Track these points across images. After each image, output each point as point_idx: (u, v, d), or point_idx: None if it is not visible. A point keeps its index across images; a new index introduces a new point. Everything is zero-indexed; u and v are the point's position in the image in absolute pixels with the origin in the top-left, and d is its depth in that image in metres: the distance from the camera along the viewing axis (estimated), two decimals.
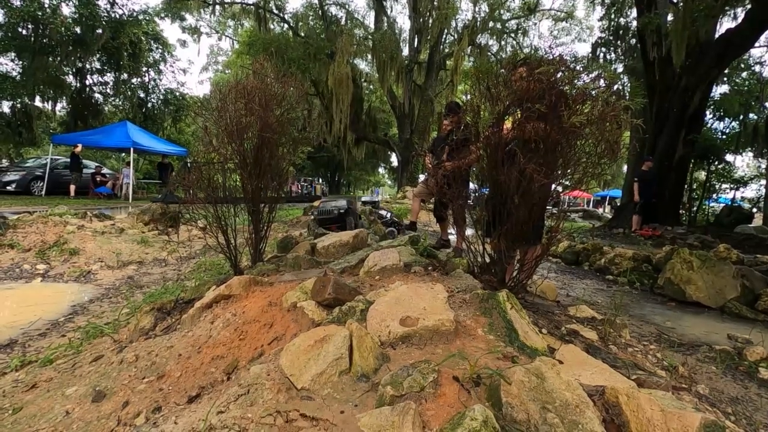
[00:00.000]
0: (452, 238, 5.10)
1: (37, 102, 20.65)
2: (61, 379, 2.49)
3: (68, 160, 15.20)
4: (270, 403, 1.58)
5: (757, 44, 11.59)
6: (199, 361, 2.25)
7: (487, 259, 2.86)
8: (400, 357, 1.81)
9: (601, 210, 28.91)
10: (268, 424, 1.48)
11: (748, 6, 10.33)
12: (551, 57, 2.53)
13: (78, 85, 21.43)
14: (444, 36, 23.32)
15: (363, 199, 14.63)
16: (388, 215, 8.03)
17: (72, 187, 13.97)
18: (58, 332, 3.78)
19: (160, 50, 24.29)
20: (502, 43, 24.04)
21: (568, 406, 1.40)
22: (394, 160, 33.62)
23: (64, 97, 21.22)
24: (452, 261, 3.23)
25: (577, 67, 2.72)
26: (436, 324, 1.94)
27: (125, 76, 22.56)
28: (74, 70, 20.89)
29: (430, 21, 21.91)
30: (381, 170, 43.35)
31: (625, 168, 12.79)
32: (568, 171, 2.61)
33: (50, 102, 21.02)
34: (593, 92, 2.47)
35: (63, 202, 10.68)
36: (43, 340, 3.59)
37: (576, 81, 2.46)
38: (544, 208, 2.77)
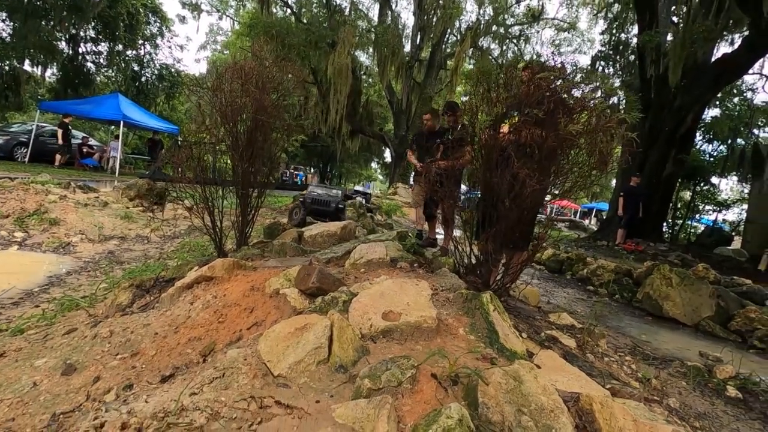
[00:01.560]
0: (439, 237, 5.11)
1: (27, 66, 20.03)
2: (31, 350, 2.42)
3: (55, 128, 14.79)
4: (245, 387, 1.56)
5: (750, 71, 11.80)
6: (176, 341, 2.22)
7: (474, 261, 2.86)
8: (379, 351, 1.80)
9: (587, 221, 29.29)
10: (241, 409, 1.46)
11: (746, 32, 10.51)
12: (553, 64, 2.54)
13: (70, 52, 20.83)
14: (447, 36, 23.28)
15: (356, 188, 14.49)
16: (363, 201, 7.87)
17: (58, 157, 13.60)
18: (31, 302, 3.69)
19: (158, 24, 23.76)
20: (504, 48, 24.09)
21: (543, 410, 1.41)
22: (387, 155, 33.57)
23: (55, 64, 20.59)
24: (438, 259, 3.23)
25: (578, 77, 2.74)
26: (418, 320, 1.93)
27: (120, 47, 22.00)
28: (67, 36, 20.30)
29: (434, 19, 21.84)
30: (374, 165, 43.22)
31: (613, 182, 12.97)
32: (560, 179, 2.62)
33: (40, 67, 20.39)
34: (591, 103, 2.48)
35: (46, 170, 10.41)
36: (16, 309, 3.50)
37: (575, 90, 2.46)
38: (534, 215, 2.78)
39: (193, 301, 2.57)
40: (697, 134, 12.70)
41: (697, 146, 13.46)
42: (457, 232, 3.70)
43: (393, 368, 1.53)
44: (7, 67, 18.88)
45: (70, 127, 14.16)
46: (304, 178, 27.11)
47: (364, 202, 7.81)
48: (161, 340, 2.25)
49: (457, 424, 1.24)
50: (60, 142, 13.59)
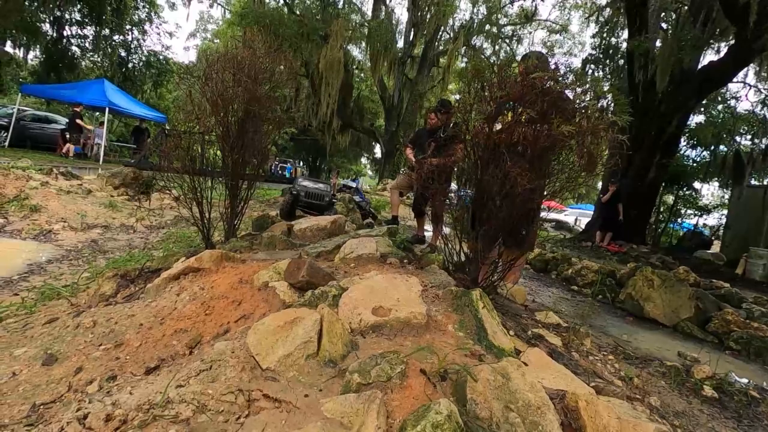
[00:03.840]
0: (427, 235, 5.12)
1: (8, 47, 19.43)
2: (9, 339, 2.36)
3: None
4: (233, 380, 1.54)
5: (734, 80, 12.08)
6: (161, 333, 2.18)
7: (463, 258, 2.88)
8: (369, 346, 1.80)
9: (572, 221, 29.63)
10: (228, 402, 1.44)
11: (732, 41, 10.75)
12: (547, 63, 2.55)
13: (54, 34, 20.23)
14: (440, 33, 23.28)
15: (343, 182, 14.20)
16: (365, 205, 7.70)
17: (69, 147, 13.28)
18: (10, 290, 3.59)
19: (146, 9, 23.24)
20: (496, 47, 24.21)
21: (530, 407, 1.43)
22: (377, 151, 33.51)
23: (38, 46, 20.00)
24: (428, 256, 3.24)
25: (570, 77, 2.76)
26: (407, 316, 1.94)
27: (107, 31, 21.46)
28: (52, 18, 19.71)
29: (428, 16, 21.80)
30: (363, 160, 43.12)
31: (599, 184, 13.20)
32: (551, 179, 2.65)
33: (22, 49, 19.80)
34: (583, 104, 2.51)
35: (27, 155, 10.13)
36: None
37: (569, 91, 2.48)
38: (527, 215, 2.78)
39: (180, 292, 2.53)
40: (682, 140, 12.96)
41: (681, 152, 13.74)
42: (445, 230, 3.72)
43: (382, 363, 1.53)
44: None
45: (82, 116, 13.95)
46: (292, 171, 26.81)
47: (358, 199, 7.57)
48: (146, 331, 2.21)
49: (446, 420, 1.25)
50: (78, 132, 13.43)
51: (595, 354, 2.93)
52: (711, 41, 11.73)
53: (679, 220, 15.56)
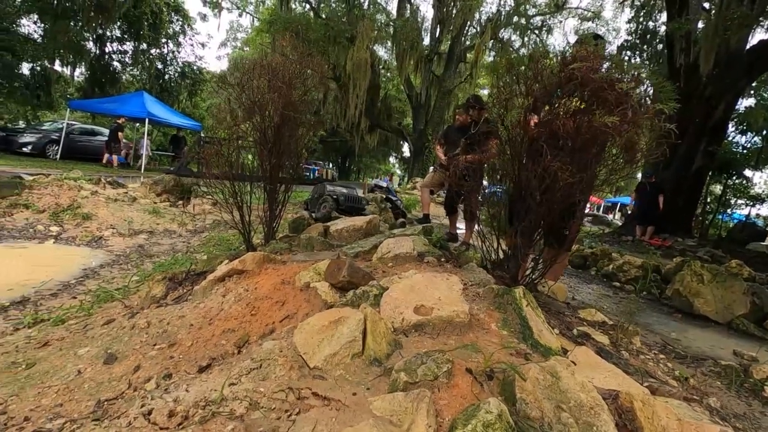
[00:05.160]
0: (459, 233, 5.07)
1: (57, 66, 20.76)
2: (72, 339, 2.53)
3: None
4: (282, 379, 1.59)
5: None
6: (210, 333, 2.27)
7: (501, 255, 2.83)
8: (412, 345, 1.81)
9: (611, 216, 28.60)
10: (280, 400, 1.48)
11: None
12: (586, 54, 2.47)
13: (97, 51, 21.47)
14: (467, 28, 22.99)
15: (374, 182, 14.21)
16: (400, 204, 7.75)
17: (114, 157, 14.15)
18: (69, 294, 3.84)
19: (180, 22, 24.21)
20: (525, 39, 23.63)
21: (582, 407, 1.39)
22: (405, 150, 33.48)
23: (83, 63, 21.27)
24: (465, 254, 3.21)
25: (606, 65, 2.66)
26: (450, 315, 1.93)
27: (144, 46, 22.56)
28: (94, 36, 20.91)
29: (454, 11, 21.57)
30: (392, 159, 43.18)
31: (639, 176, 12.63)
32: (593, 173, 2.56)
33: (69, 67, 21.10)
34: (626, 91, 2.41)
35: (77, 166, 10.76)
36: (55, 300, 3.65)
37: (615, 80, 2.39)
38: (568, 211, 2.69)
39: (226, 293, 2.63)
40: (730, 125, 12.20)
41: (730, 138, 12.93)
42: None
43: (428, 362, 1.53)
44: (38, 68, 19.56)
45: (125, 128, 14.85)
46: (316, 173, 27.07)
47: (394, 199, 7.66)
48: (196, 331, 2.31)
49: (497, 419, 1.23)
50: (122, 143, 14.38)
51: (646, 353, 2.81)
52: (760, 18, 10.96)
53: (728, 210, 14.66)
